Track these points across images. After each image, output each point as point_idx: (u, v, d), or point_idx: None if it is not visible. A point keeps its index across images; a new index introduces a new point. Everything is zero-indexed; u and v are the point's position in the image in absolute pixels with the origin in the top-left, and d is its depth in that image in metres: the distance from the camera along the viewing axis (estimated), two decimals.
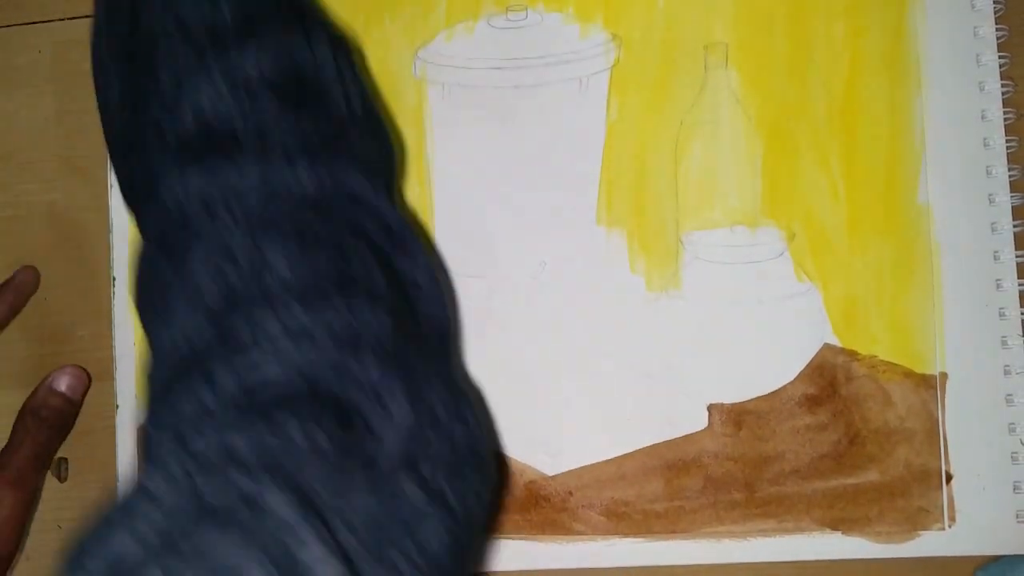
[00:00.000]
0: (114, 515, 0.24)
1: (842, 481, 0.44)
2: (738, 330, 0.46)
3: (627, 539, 0.45)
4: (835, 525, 0.44)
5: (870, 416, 0.45)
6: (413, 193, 0.48)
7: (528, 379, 0.46)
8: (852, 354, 0.45)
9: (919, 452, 0.44)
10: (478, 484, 0.32)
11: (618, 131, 0.47)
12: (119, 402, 0.49)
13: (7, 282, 0.49)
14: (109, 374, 0.49)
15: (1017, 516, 0.44)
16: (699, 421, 0.45)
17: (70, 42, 0.52)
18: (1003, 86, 0.45)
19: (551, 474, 0.46)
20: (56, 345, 0.50)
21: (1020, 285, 0.44)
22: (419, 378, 0.31)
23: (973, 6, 0.46)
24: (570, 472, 0.46)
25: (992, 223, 0.45)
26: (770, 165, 0.46)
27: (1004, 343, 0.44)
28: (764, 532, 0.45)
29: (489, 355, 0.47)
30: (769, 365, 0.45)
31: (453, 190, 0.48)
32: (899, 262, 0.45)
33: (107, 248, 0.50)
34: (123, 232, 0.49)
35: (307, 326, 0.29)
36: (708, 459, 0.45)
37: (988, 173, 0.45)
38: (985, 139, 0.45)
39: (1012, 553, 0.43)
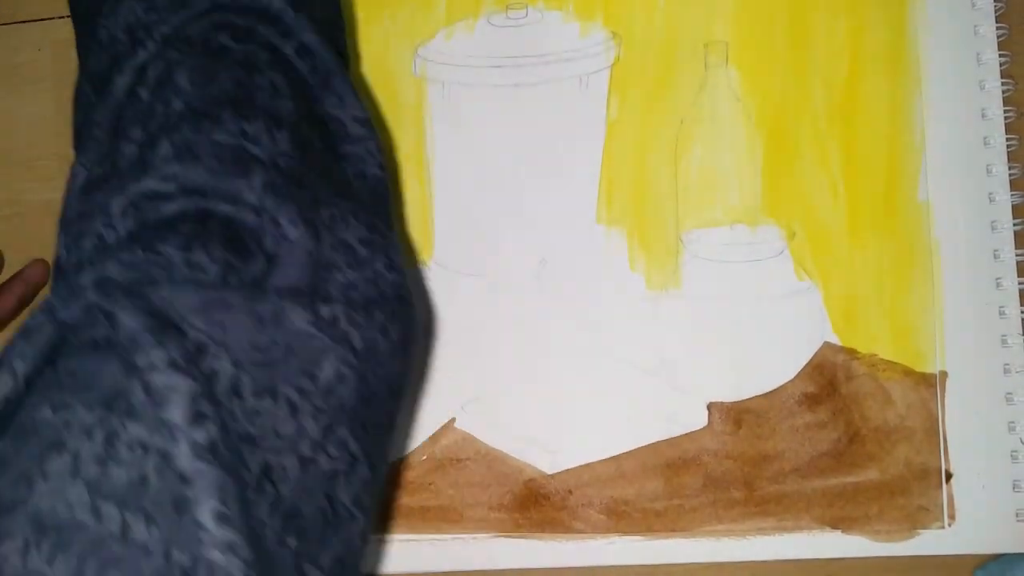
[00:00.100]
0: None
1: (842, 480, 0.44)
2: (738, 328, 0.46)
3: (627, 537, 0.45)
4: (835, 524, 0.44)
5: (870, 415, 0.45)
6: (413, 192, 0.48)
7: (528, 377, 0.46)
8: (852, 352, 0.45)
9: (919, 451, 0.44)
10: (392, 327, 0.30)
11: (618, 129, 0.47)
12: None
13: (17, 274, 0.50)
14: None
15: (1017, 515, 0.44)
16: (699, 419, 0.45)
17: (70, 40, 0.51)
18: (1003, 84, 0.45)
19: (551, 472, 0.46)
20: None
21: (1020, 283, 0.44)
22: (327, 208, 0.30)
23: (974, 5, 0.45)
24: (570, 470, 0.46)
25: (992, 221, 0.45)
26: (770, 163, 0.46)
27: (1004, 342, 0.44)
28: (764, 531, 0.45)
29: (489, 353, 0.47)
30: (769, 363, 0.45)
31: (453, 188, 0.48)
32: (899, 260, 0.45)
33: None
34: None
35: (193, 144, 0.29)
36: (708, 457, 0.45)
37: (988, 171, 0.45)
38: (985, 137, 0.45)
39: (1011, 552, 0.43)
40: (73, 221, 0.30)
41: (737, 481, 0.45)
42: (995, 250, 0.45)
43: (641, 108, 0.47)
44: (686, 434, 0.45)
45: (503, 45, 0.48)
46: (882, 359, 0.45)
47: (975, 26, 0.45)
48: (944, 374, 0.45)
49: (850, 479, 0.44)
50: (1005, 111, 0.45)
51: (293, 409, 0.26)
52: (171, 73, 0.31)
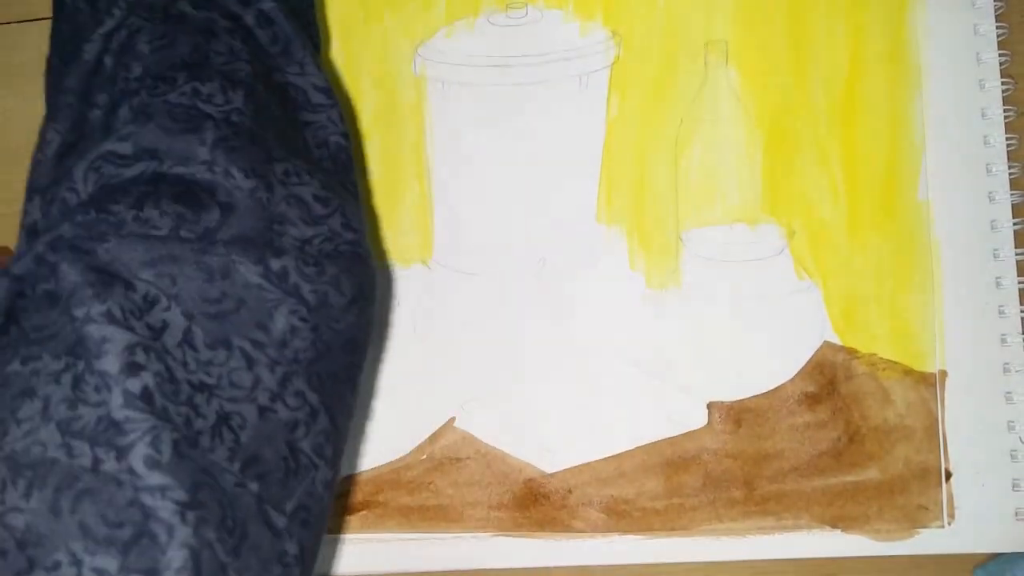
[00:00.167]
0: None
1: (842, 479, 0.44)
2: (738, 327, 0.46)
3: (626, 536, 0.45)
4: (834, 523, 0.44)
5: (870, 414, 0.45)
6: (413, 191, 0.48)
7: (527, 376, 0.46)
8: (852, 352, 0.45)
9: (919, 450, 0.44)
10: (346, 282, 0.31)
11: (618, 128, 0.47)
12: None
13: None
14: None
15: (1016, 513, 0.44)
16: (699, 419, 0.45)
17: None
18: (1003, 84, 0.45)
19: (550, 471, 0.46)
20: None
21: (1020, 283, 0.44)
22: (281, 164, 0.31)
23: (973, 4, 0.46)
24: (569, 469, 0.46)
25: (992, 221, 0.45)
26: (770, 162, 0.46)
27: (1004, 341, 0.44)
28: (763, 530, 0.45)
29: (489, 352, 0.47)
30: (769, 363, 0.45)
31: (452, 187, 0.48)
32: (899, 260, 0.45)
33: None
34: None
35: (148, 106, 0.30)
36: (708, 457, 0.45)
37: (988, 171, 0.45)
38: (985, 137, 0.45)
39: (1011, 551, 0.43)
40: (48, 188, 0.31)
41: (737, 480, 0.45)
42: (995, 249, 0.45)
43: (641, 107, 0.47)
44: (686, 433, 0.45)
45: (503, 44, 0.48)
46: (882, 358, 0.45)
47: (975, 25, 0.45)
48: (944, 373, 0.45)
49: (850, 478, 0.44)
50: (1005, 110, 0.45)
51: (248, 360, 0.27)
52: (132, 40, 0.32)
